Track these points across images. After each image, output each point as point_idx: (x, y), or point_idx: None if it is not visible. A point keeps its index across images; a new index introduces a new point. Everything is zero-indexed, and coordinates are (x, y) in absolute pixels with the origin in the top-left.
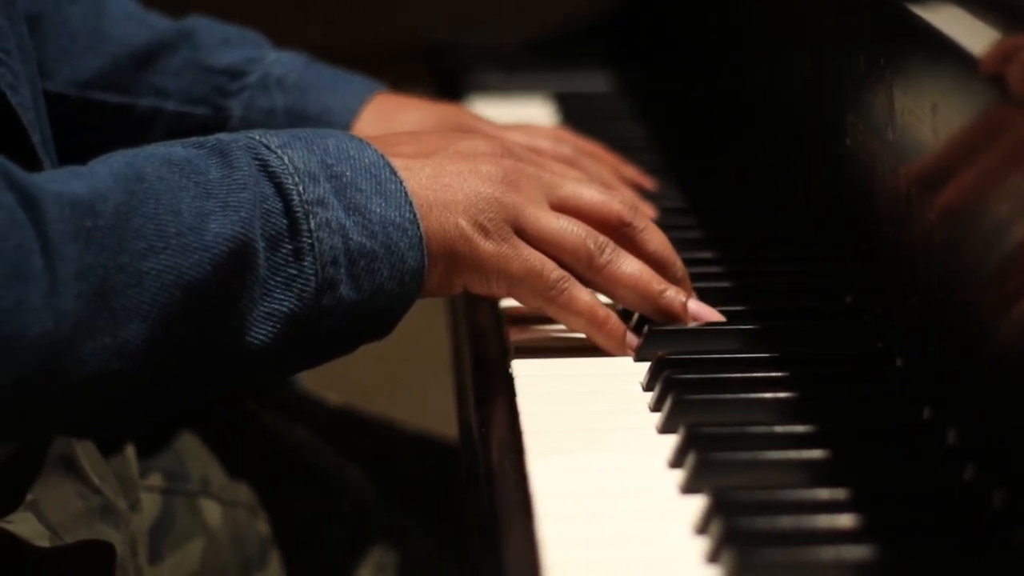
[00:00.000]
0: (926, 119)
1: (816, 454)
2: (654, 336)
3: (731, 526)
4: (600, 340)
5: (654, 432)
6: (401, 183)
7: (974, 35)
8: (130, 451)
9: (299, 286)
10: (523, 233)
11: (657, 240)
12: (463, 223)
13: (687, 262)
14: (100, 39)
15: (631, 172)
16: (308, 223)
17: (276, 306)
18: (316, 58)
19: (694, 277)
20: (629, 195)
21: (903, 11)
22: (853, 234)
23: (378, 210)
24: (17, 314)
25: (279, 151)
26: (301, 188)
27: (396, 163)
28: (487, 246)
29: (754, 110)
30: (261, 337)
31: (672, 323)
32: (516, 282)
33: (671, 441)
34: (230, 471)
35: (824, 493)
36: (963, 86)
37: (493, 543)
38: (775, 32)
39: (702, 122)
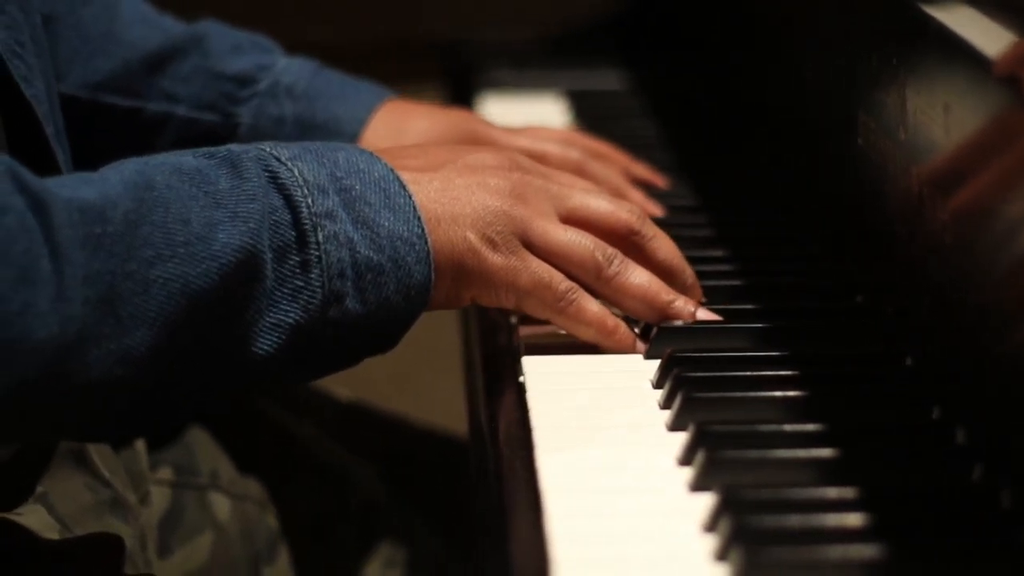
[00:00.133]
0: (938, 119)
1: (825, 453)
2: (664, 334)
3: (740, 524)
4: (611, 349)
5: (663, 430)
6: (410, 197)
7: (987, 36)
8: (140, 445)
9: (305, 298)
10: (531, 246)
11: (666, 248)
12: (471, 236)
13: (698, 260)
14: (112, 42)
15: (642, 171)
16: (316, 235)
17: (282, 317)
18: (326, 62)
19: (705, 276)
20: (638, 199)
21: (916, 11)
22: (864, 233)
23: (386, 224)
24: (24, 318)
25: (289, 163)
26: (310, 200)
27: (405, 176)
28: (495, 259)
29: (766, 109)
30: (266, 347)
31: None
32: (525, 295)
33: (680, 439)
34: (240, 465)
35: (833, 492)
36: (976, 87)
37: (502, 539)
38: (788, 31)
39: (714, 120)
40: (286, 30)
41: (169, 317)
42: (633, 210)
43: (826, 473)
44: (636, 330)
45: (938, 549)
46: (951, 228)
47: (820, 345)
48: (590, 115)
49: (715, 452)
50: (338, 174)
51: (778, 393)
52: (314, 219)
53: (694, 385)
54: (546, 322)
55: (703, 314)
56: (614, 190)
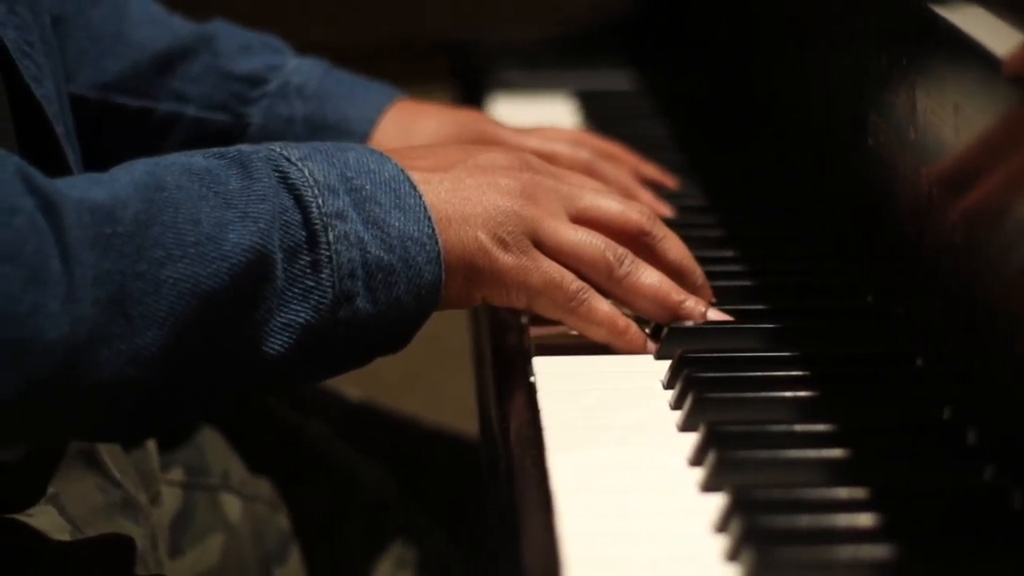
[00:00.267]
0: (948, 119)
1: (836, 453)
2: (675, 335)
3: (751, 524)
4: (621, 349)
5: (674, 430)
6: (420, 197)
7: (996, 36)
8: (151, 445)
9: (316, 298)
10: (542, 246)
11: (676, 249)
12: (482, 236)
13: (708, 260)
14: (121, 42)
15: (652, 171)
16: (327, 235)
17: (292, 317)
18: (336, 62)
19: (715, 276)
20: (648, 199)
21: (926, 11)
22: (874, 234)
23: (397, 224)
24: (34, 318)
25: (299, 163)
26: (320, 201)
27: (415, 177)
28: (506, 259)
29: (776, 109)
30: (277, 347)
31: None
32: (536, 294)
33: (691, 439)
34: (251, 466)
35: (844, 492)
36: (985, 87)
37: (513, 539)
38: (798, 31)
39: (723, 121)
40: (288, 30)
41: (179, 317)
42: (643, 211)
43: (837, 473)
44: (647, 331)
45: (948, 549)
46: (961, 228)
47: (830, 345)
48: (600, 115)
49: (726, 452)
50: (348, 174)
51: (789, 393)
52: (324, 219)
53: (705, 386)
54: (556, 322)
55: (714, 314)
56: (624, 191)
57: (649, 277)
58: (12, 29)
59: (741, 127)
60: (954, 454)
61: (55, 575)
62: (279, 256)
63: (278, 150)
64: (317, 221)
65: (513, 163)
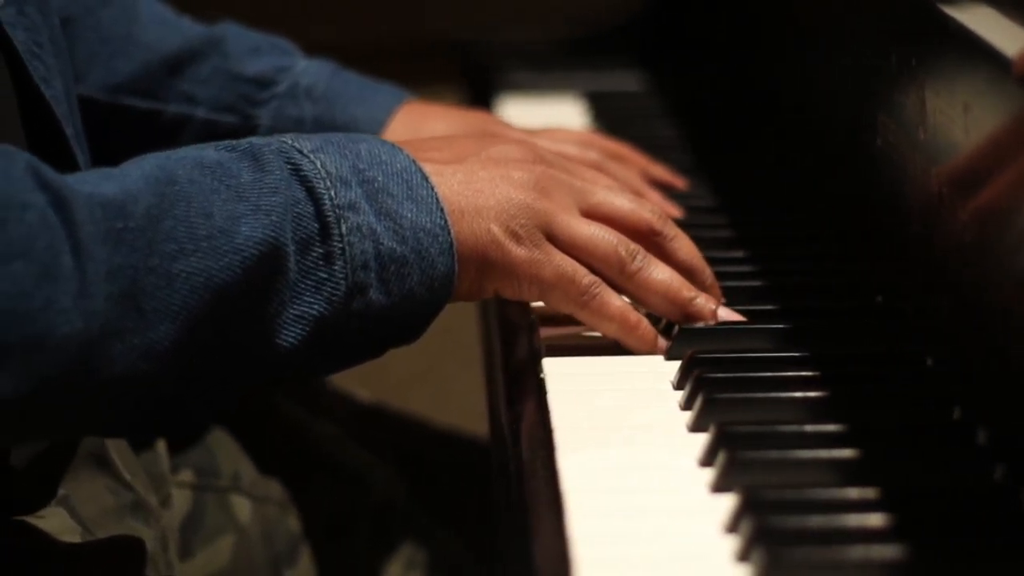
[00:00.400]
0: (958, 119)
1: (846, 453)
2: (685, 335)
3: (761, 525)
4: (632, 344)
5: (684, 430)
6: (432, 189)
7: (1006, 36)
8: (161, 447)
9: (329, 290)
10: (555, 239)
11: (686, 249)
12: (495, 229)
13: (717, 261)
14: (131, 44)
15: (661, 172)
16: (339, 227)
17: (306, 309)
18: (342, 63)
19: (724, 276)
20: (657, 200)
21: (935, 11)
22: (884, 234)
23: (409, 215)
24: (46, 314)
25: (311, 155)
26: (333, 193)
27: (428, 168)
28: (519, 252)
29: (785, 110)
30: (290, 340)
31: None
32: (548, 288)
33: (701, 439)
34: (261, 467)
35: (854, 492)
36: (995, 86)
37: (524, 539)
38: (807, 32)
39: (733, 121)
40: (291, 31)
41: (192, 311)
42: (654, 210)
43: (847, 474)
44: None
45: (959, 549)
46: (971, 228)
47: (840, 346)
48: (608, 116)
49: (736, 453)
50: (360, 166)
51: (799, 394)
52: (337, 211)
53: (715, 386)
54: (566, 323)
55: (724, 312)
56: (633, 191)
57: (661, 273)
58: (22, 30)
59: (750, 128)
60: (964, 454)
61: None
62: (292, 248)
63: (290, 142)
64: (330, 213)
65: (526, 156)
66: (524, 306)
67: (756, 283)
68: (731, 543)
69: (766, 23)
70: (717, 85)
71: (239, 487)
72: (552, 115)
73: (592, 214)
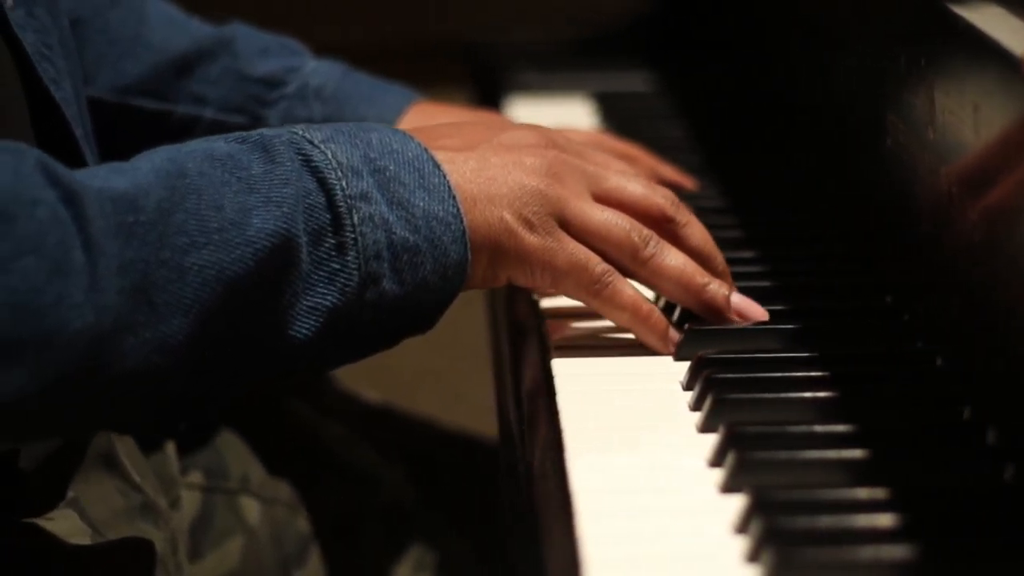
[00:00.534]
0: (967, 119)
1: (856, 454)
2: (694, 335)
3: (771, 525)
4: (643, 335)
5: (694, 431)
6: (444, 177)
7: (1015, 35)
8: (171, 449)
9: (342, 281)
10: (567, 226)
11: (699, 235)
12: (507, 216)
13: (727, 262)
14: (140, 45)
15: (669, 172)
16: (351, 218)
17: (319, 300)
18: (355, 64)
19: (733, 277)
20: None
21: (944, 11)
22: (893, 234)
23: (421, 204)
24: (58, 309)
25: (322, 146)
26: (344, 183)
27: (439, 156)
28: (532, 239)
29: (794, 109)
30: (304, 332)
31: (715, 317)
32: (561, 276)
33: (711, 440)
34: (270, 469)
35: (864, 493)
36: (1004, 86)
37: (533, 540)
38: (816, 32)
39: (742, 122)
40: (294, 31)
41: (205, 304)
42: (667, 195)
43: (857, 474)
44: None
45: (969, 550)
46: (980, 228)
47: (849, 346)
48: (617, 117)
49: (746, 453)
50: (371, 155)
51: (808, 394)
52: (349, 201)
53: (724, 386)
54: (576, 319)
55: (737, 298)
56: None
57: (674, 259)
58: (31, 32)
59: (758, 128)
60: (974, 454)
61: None
62: (304, 240)
63: (300, 132)
64: (341, 203)
65: (539, 141)
66: (533, 306)
67: (765, 283)
68: (741, 544)
69: (774, 24)
70: (725, 86)
71: (248, 488)
72: (560, 116)
73: (605, 199)
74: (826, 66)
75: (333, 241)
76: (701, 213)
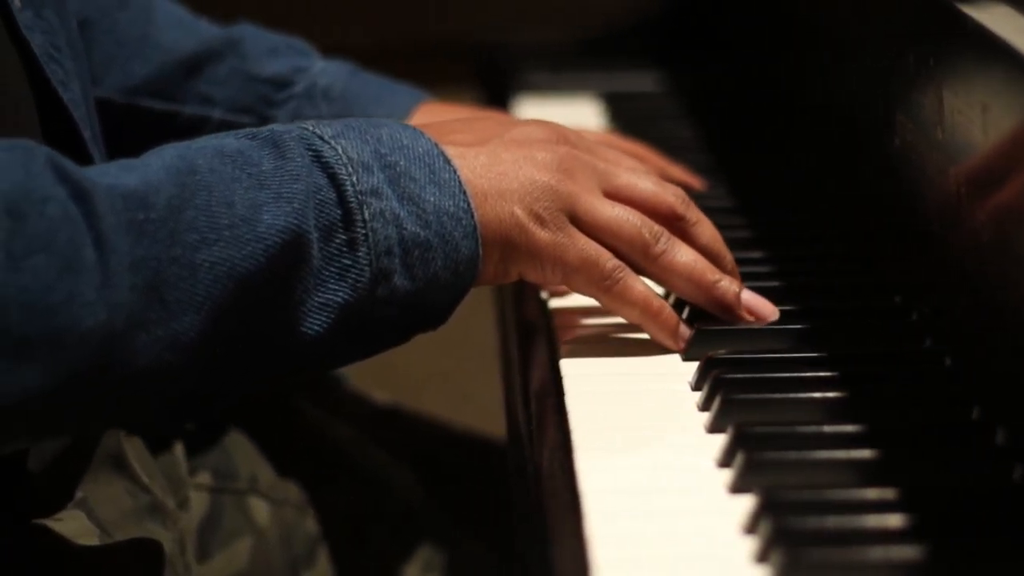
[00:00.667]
0: (976, 119)
1: (865, 454)
2: (703, 336)
3: (780, 526)
4: (653, 331)
5: (703, 431)
6: (455, 172)
7: None
8: (179, 449)
9: (353, 276)
10: (578, 222)
11: (709, 233)
12: (518, 212)
13: (736, 262)
14: (148, 46)
15: (678, 172)
16: (362, 213)
17: (330, 297)
18: (362, 64)
19: (742, 277)
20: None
21: (953, 11)
22: (902, 234)
23: (432, 199)
24: (70, 307)
25: (332, 141)
26: (355, 178)
27: (450, 151)
28: (543, 235)
29: (803, 109)
30: (315, 328)
31: (725, 314)
32: (572, 271)
33: (720, 441)
34: (278, 469)
35: (873, 493)
36: (1013, 86)
37: (542, 541)
38: (825, 31)
39: (750, 122)
40: (298, 32)
41: (216, 301)
42: (678, 193)
43: (866, 474)
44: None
45: (978, 549)
46: (989, 228)
47: (858, 346)
48: (626, 117)
49: (754, 454)
50: (382, 150)
51: (817, 394)
52: (360, 197)
53: (733, 387)
54: (585, 319)
55: (747, 295)
56: None
57: (684, 256)
58: (39, 33)
59: (767, 128)
60: (983, 454)
61: None
62: (315, 236)
63: (311, 128)
64: (352, 199)
65: (550, 136)
66: (542, 307)
67: (773, 283)
68: (749, 544)
69: (782, 24)
70: (734, 86)
71: (257, 489)
72: (569, 116)
73: (615, 196)
74: (834, 66)
75: (344, 237)
76: (709, 213)
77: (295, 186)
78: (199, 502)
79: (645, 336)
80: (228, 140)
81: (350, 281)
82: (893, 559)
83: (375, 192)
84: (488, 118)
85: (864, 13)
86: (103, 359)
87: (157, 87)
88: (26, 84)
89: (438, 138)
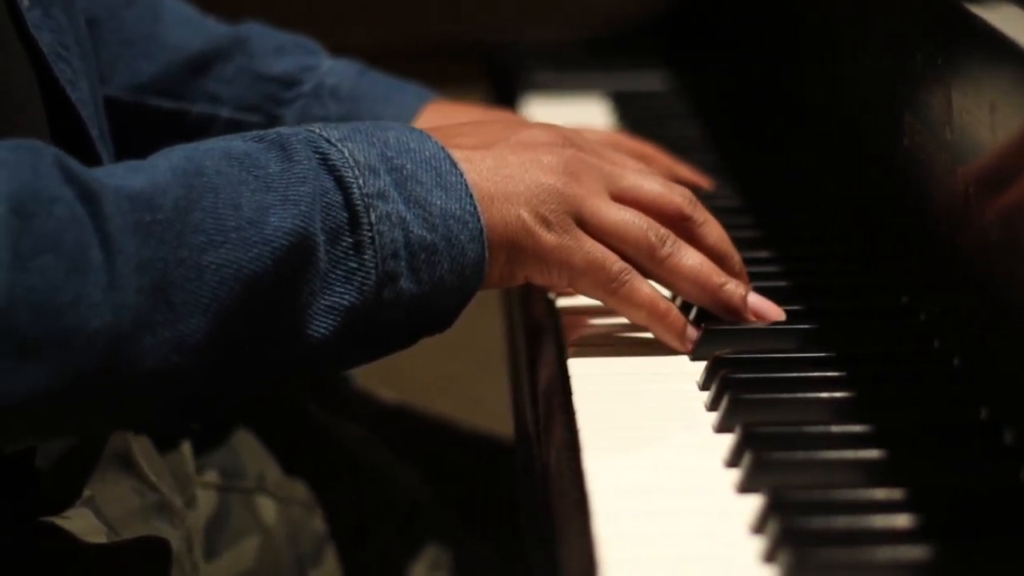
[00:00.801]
0: (984, 119)
1: (872, 454)
2: (710, 335)
3: (788, 526)
4: (660, 333)
5: (710, 431)
6: (461, 175)
7: None
8: (186, 448)
9: (360, 279)
10: (584, 224)
11: (716, 234)
12: (525, 215)
13: (743, 261)
14: (155, 45)
15: (686, 172)
16: (369, 216)
17: (336, 299)
18: (370, 63)
19: (750, 277)
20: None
21: (961, 11)
22: (910, 234)
23: (439, 203)
24: (76, 308)
25: (339, 144)
26: (361, 181)
27: (457, 155)
28: (549, 238)
29: (811, 109)
30: (321, 331)
31: (731, 317)
32: (578, 274)
33: (727, 440)
34: (286, 468)
35: (881, 493)
36: (1022, 86)
37: (550, 541)
38: (833, 31)
39: (758, 121)
40: (327, 33)
41: (223, 303)
42: (685, 194)
43: (874, 474)
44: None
45: (986, 550)
46: (997, 228)
47: (866, 346)
48: (633, 117)
49: (762, 453)
50: (388, 153)
51: (825, 394)
52: (366, 200)
53: (741, 386)
54: (592, 319)
55: (754, 298)
56: None
57: (691, 259)
58: (48, 32)
59: (774, 128)
60: (990, 455)
61: None
62: (321, 238)
63: (317, 131)
64: (359, 202)
65: (556, 139)
66: (550, 306)
67: (781, 283)
68: (757, 544)
69: (790, 23)
70: (741, 85)
71: (264, 488)
72: (576, 115)
73: (622, 198)
74: (843, 66)
75: (350, 240)
76: (717, 212)
77: (302, 189)
78: (206, 501)
79: (653, 336)
80: (235, 142)
81: (356, 284)
82: (900, 559)
83: (381, 195)
84: (494, 122)
85: (873, 13)
86: (109, 360)
87: (165, 86)
88: (34, 83)
89: (444, 141)
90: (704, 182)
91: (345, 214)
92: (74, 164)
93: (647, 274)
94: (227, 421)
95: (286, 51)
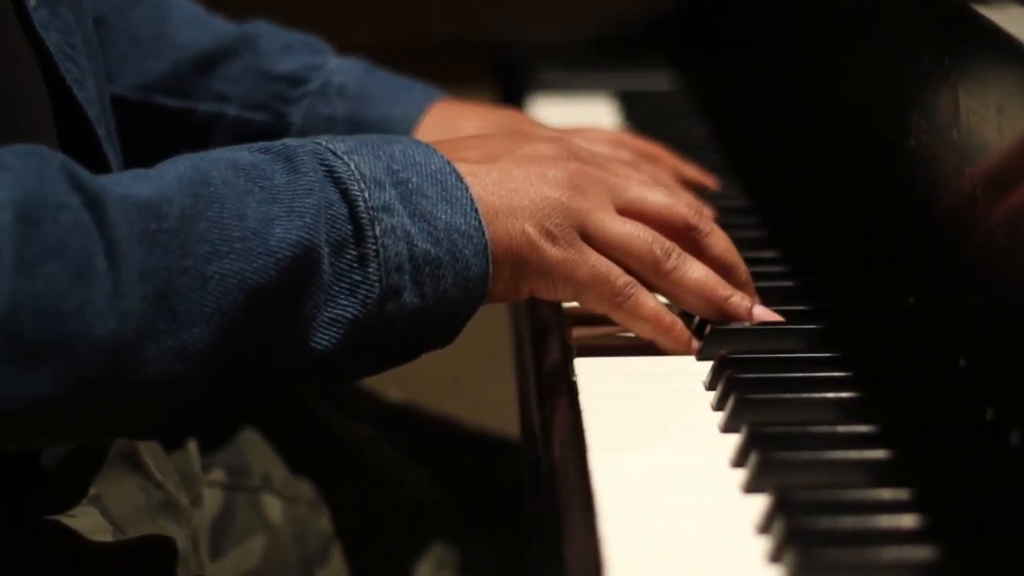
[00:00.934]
0: (991, 119)
1: (879, 454)
2: (716, 335)
3: (794, 526)
4: (666, 346)
5: (716, 431)
6: (467, 189)
7: None
8: (192, 447)
9: (363, 292)
10: (589, 238)
11: (722, 244)
12: (529, 229)
13: (749, 261)
14: (163, 43)
15: (692, 172)
16: (373, 229)
17: (340, 312)
18: (377, 62)
19: (756, 276)
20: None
21: (968, 11)
22: (917, 234)
23: (443, 217)
24: (81, 315)
25: (345, 157)
26: (367, 194)
27: (462, 169)
28: (554, 252)
29: (818, 109)
30: (324, 343)
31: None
32: (583, 288)
33: (733, 440)
34: (292, 467)
35: (887, 493)
36: None
37: (555, 540)
38: (840, 31)
39: (765, 121)
40: (335, 32)
41: (226, 313)
42: (691, 204)
43: (880, 474)
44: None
45: (992, 550)
46: (1004, 228)
47: (872, 346)
48: (640, 116)
49: (768, 453)
50: (394, 167)
51: (831, 394)
52: (371, 213)
53: (747, 386)
54: (598, 323)
55: (759, 310)
56: (667, 189)
57: (696, 272)
58: (55, 32)
59: (781, 128)
60: (997, 455)
61: (96, 575)
62: (326, 251)
63: (324, 143)
64: (364, 215)
65: (560, 153)
66: (556, 306)
67: (788, 283)
68: (763, 544)
69: (797, 23)
70: (748, 84)
71: (270, 487)
72: (583, 115)
73: (627, 211)
74: (850, 66)
75: (355, 252)
76: (723, 212)
77: (307, 200)
78: (212, 499)
79: None
80: (242, 153)
81: (360, 297)
82: (906, 559)
83: (387, 208)
84: (499, 135)
85: (880, 13)
86: (112, 367)
87: (172, 84)
88: (41, 82)
89: (449, 155)
90: (710, 182)
91: (350, 227)
92: (80, 171)
93: (652, 287)
94: (233, 420)
95: (293, 50)
